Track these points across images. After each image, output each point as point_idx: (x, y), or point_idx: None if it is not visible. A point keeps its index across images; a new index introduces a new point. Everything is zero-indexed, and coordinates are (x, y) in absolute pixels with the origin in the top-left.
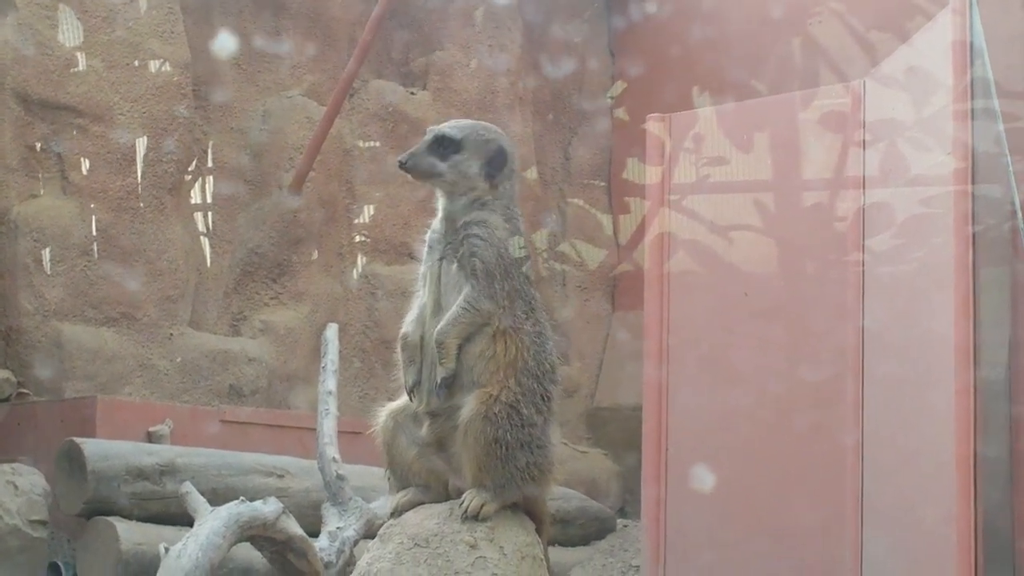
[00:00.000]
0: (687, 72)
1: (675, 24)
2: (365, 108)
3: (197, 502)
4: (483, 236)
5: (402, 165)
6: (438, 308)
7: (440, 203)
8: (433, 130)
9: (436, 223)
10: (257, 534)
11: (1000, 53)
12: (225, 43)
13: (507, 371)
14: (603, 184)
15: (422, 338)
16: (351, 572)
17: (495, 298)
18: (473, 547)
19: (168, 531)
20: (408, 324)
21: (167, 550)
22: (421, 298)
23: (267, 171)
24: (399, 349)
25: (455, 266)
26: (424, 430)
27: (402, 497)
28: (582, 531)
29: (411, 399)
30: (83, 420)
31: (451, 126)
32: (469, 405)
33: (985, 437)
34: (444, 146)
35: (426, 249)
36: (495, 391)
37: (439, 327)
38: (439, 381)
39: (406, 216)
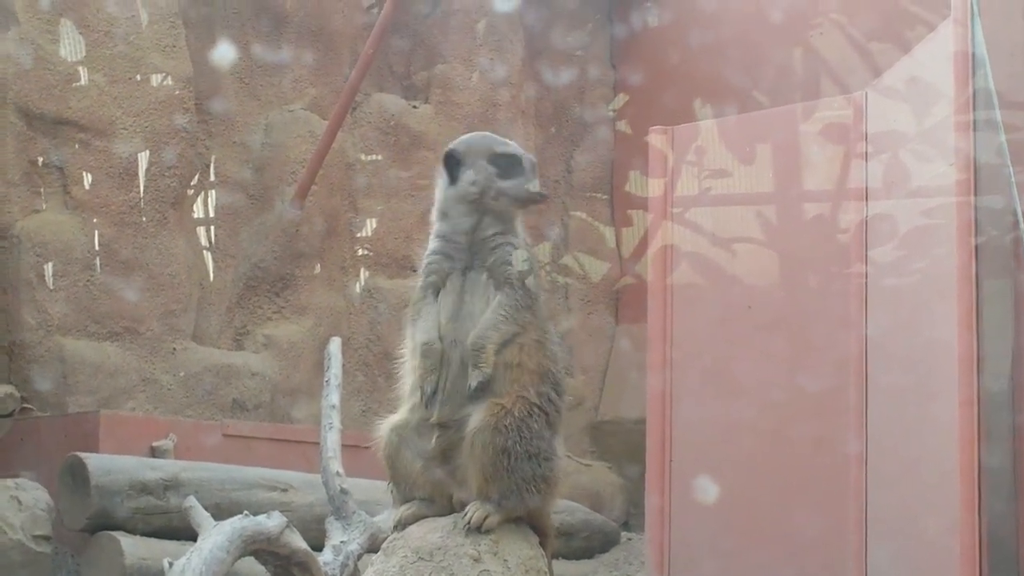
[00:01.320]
0: (689, 84)
1: (676, 36)
2: (367, 121)
3: (201, 516)
4: (518, 246)
5: (544, 197)
6: (458, 317)
7: (466, 214)
8: (530, 158)
9: (453, 233)
10: (261, 548)
11: (1002, 63)
12: (227, 56)
13: (529, 380)
14: (605, 197)
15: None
16: None
17: (531, 308)
18: (477, 560)
19: (172, 546)
20: (427, 332)
21: (171, 565)
22: (435, 306)
23: (269, 185)
24: (420, 356)
25: (484, 276)
26: (433, 442)
27: (406, 510)
28: (586, 544)
29: (425, 408)
30: (86, 435)
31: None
32: (478, 415)
33: (988, 447)
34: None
35: (438, 257)
36: (508, 402)
37: (478, 332)
38: (474, 385)
39: (408, 230)
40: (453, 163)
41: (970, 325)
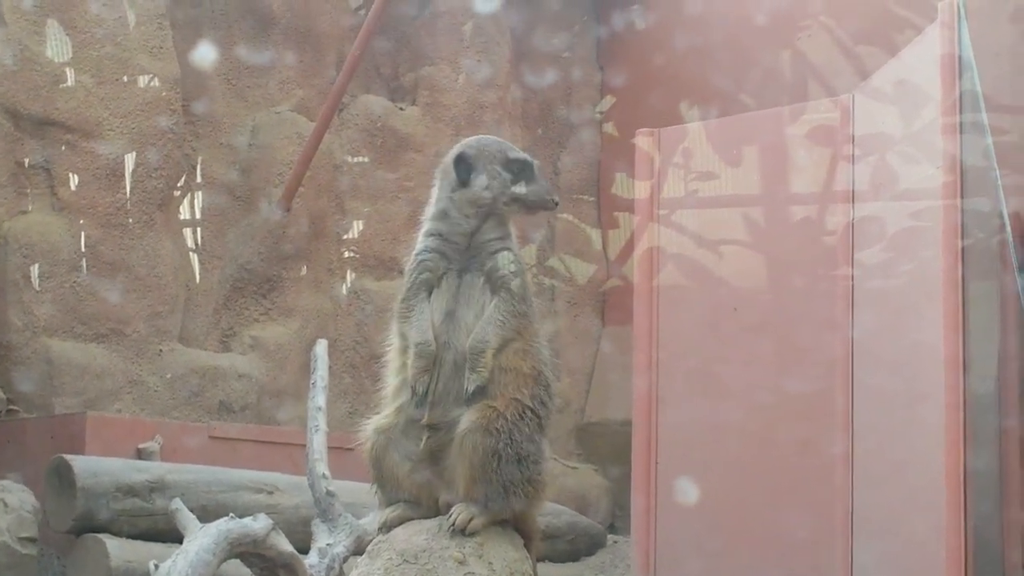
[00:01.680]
0: (676, 86)
1: (663, 37)
2: (354, 123)
3: (187, 519)
4: (514, 250)
5: (558, 204)
6: (452, 318)
7: (471, 216)
8: (538, 164)
9: (452, 234)
10: (247, 551)
11: (989, 66)
12: (214, 58)
13: (523, 383)
14: (592, 199)
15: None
16: None
17: (527, 315)
18: (462, 563)
19: (157, 548)
20: (423, 332)
21: (156, 567)
22: (427, 305)
23: (256, 186)
24: (414, 356)
25: (481, 279)
26: (422, 444)
27: (391, 513)
28: (572, 547)
29: (416, 409)
30: (72, 436)
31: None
32: (469, 416)
33: (974, 449)
34: None
35: (434, 255)
36: (501, 405)
37: (476, 336)
38: (471, 389)
39: (395, 231)
40: (463, 166)
41: (956, 327)
